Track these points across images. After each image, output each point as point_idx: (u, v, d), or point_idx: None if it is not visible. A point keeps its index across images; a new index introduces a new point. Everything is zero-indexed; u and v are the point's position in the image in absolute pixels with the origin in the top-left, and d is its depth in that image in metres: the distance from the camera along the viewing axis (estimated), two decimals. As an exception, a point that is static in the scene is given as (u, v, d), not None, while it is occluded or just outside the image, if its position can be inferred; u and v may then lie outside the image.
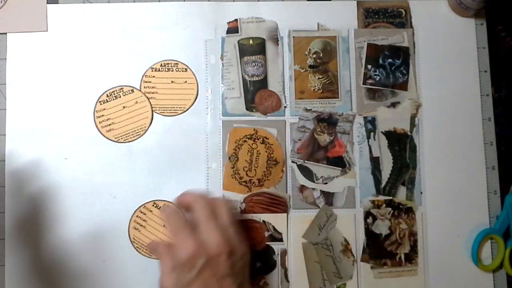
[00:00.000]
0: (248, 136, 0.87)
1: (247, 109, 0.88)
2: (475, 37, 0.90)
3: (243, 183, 0.87)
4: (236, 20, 0.89)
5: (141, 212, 0.86)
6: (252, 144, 0.87)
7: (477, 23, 0.91)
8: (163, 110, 0.88)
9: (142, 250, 0.85)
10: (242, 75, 0.88)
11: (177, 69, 0.89)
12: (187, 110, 0.88)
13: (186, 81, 0.88)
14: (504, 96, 0.90)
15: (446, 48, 0.90)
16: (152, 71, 0.89)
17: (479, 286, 0.87)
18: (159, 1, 0.90)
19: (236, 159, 0.87)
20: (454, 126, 0.89)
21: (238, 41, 0.89)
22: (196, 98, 0.88)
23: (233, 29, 0.89)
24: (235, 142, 0.87)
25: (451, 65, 0.90)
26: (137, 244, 0.86)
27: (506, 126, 0.90)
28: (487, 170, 0.88)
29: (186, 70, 0.89)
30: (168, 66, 0.89)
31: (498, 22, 0.92)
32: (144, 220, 0.86)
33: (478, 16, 0.91)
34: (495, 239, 0.87)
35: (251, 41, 0.89)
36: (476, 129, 0.89)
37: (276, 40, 0.89)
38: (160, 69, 0.89)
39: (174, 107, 0.88)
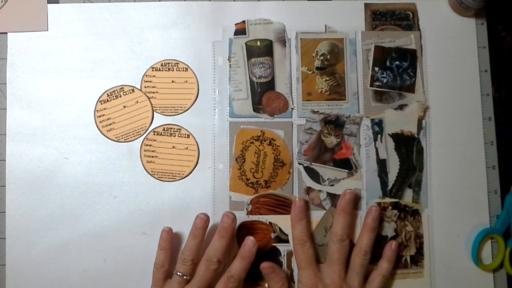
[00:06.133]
0: (255, 138, 0.87)
1: (254, 110, 0.88)
2: (475, 36, 0.91)
3: (250, 185, 0.87)
4: (243, 21, 0.89)
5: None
6: (259, 146, 0.87)
7: (477, 22, 0.91)
8: (164, 109, 0.88)
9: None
10: (249, 77, 0.88)
11: (177, 69, 0.88)
12: (187, 109, 0.88)
13: (186, 81, 0.88)
14: (504, 96, 0.91)
15: (446, 48, 0.90)
16: (153, 70, 0.88)
17: (479, 286, 0.87)
18: (159, 1, 0.90)
19: (243, 160, 0.87)
20: (455, 126, 0.89)
21: (246, 43, 0.89)
22: (196, 97, 0.88)
23: (240, 30, 0.89)
24: (242, 144, 0.87)
25: (451, 65, 0.90)
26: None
27: (506, 126, 0.90)
28: (487, 169, 0.88)
29: (186, 69, 0.88)
30: (168, 65, 0.88)
31: (498, 21, 0.92)
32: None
33: (479, 15, 0.91)
34: (496, 238, 0.87)
35: (258, 43, 0.89)
36: (477, 129, 0.89)
37: (283, 41, 0.89)
38: (161, 69, 0.88)
39: (174, 107, 0.88)
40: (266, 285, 0.85)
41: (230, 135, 0.87)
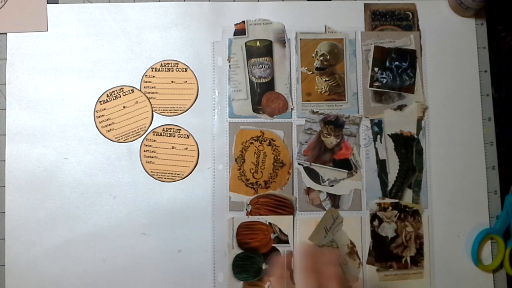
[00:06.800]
0: (255, 138, 0.87)
1: (253, 111, 0.88)
2: (475, 37, 0.91)
3: (250, 185, 0.87)
4: (243, 22, 0.89)
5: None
6: (258, 146, 0.87)
7: (477, 23, 0.91)
8: (163, 110, 0.88)
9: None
10: (249, 77, 0.88)
11: (177, 69, 0.88)
12: (187, 110, 0.88)
13: (186, 81, 0.88)
14: (504, 96, 0.91)
15: (446, 48, 0.90)
16: (152, 71, 0.88)
17: (479, 287, 0.87)
18: (159, 1, 0.90)
19: (242, 160, 0.87)
20: (455, 126, 0.89)
21: (245, 43, 0.89)
22: (196, 98, 0.88)
23: (240, 31, 0.89)
24: (242, 144, 0.87)
25: (451, 66, 0.90)
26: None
27: (506, 126, 0.90)
28: (487, 170, 0.88)
29: (186, 70, 0.88)
30: (168, 66, 0.89)
31: (498, 22, 0.92)
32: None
33: (478, 16, 0.91)
34: (495, 239, 0.87)
35: (258, 43, 0.89)
36: (476, 129, 0.89)
37: (283, 42, 0.89)
38: (160, 69, 0.88)
39: (174, 107, 0.88)
40: (266, 285, 0.85)
41: (229, 135, 0.87)
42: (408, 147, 0.88)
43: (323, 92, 0.88)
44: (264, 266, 0.85)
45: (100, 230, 0.86)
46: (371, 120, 0.88)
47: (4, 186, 0.86)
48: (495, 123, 0.89)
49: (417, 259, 0.87)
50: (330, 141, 0.87)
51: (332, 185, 0.87)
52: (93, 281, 0.85)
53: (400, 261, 0.86)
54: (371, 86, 0.89)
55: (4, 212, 0.85)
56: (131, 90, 0.88)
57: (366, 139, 0.88)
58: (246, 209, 0.86)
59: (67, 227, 0.86)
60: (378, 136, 0.88)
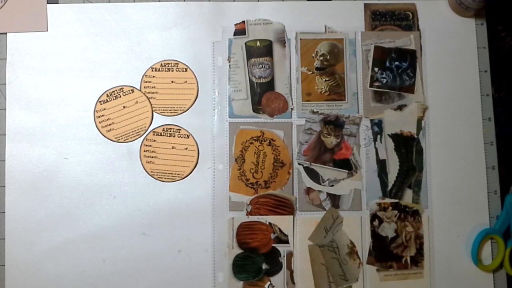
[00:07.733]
0: (255, 138, 0.87)
1: (253, 111, 0.88)
2: (475, 37, 0.90)
3: (250, 185, 0.87)
4: (243, 22, 0.89)
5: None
6: (258, 146, 0.87)
7: (477, 23, 0.91)
8: (163, 110, 0.88)
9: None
10: (249, 77, 0.88)
11: (177, 69, 0.88)
12: (187, 110, 0.88)
13: (186, 81, 0.88)
14: (504, 96, 0.91)
15: (446, 48, 0.90)
16: (152, 71, 0.88)
17: (479, 287, 0.87)
18: (159, 1, 0.90)
19: (242, 160, 0.87)
20: (455, 126, 0.89)
21: (245, 43, 0.89)
22: (196, 98, 0.88)
23: (240, 31, 0.89)
24: (242, 144, 0.87)
25: (451, 66, 0.90)
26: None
27: (506, 126, 0.90)
28: (487, 170, 0.88)
29: (186, 70, 0.88)
30: (168, 66, 0.88)
31: (498, 22, 0.92)
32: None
33: (478, 16, 0.91)
34: (495, 239, 0.87)
35: (258, 43, 0.89)
36: (476, 129, 0.89)
37: (283, 42, 0.89)
38: (160, 69, 0.88)
39: (174, 107, 0.88)
40: (266, 285, 0.85)
41: (229, 135, 0.87)
42: (408, 147, 0.88)
43: (323, 92, 0.88)
44: (264, 266, 0.85)
45: (100, 230, 0.86)
46: (371, 120, 0.88)
47: (4, 186, 0.86)
48: (495, 123, 0.89)
49: (417, 259, 0.87)
50: (330, 141, 0.87)
51: (332, 185, 0.87)
52: (93, 281, 0.85)
53: (400, 261, 0.86)
54: (371, 86, 0.89)
55: (4, 212, 0.85)
56: (131, 90, 0.88)
57: (366, 139, 0.88)
58: (246, 209, 0.86)
59: (67, 227, 0.86)
60: (378, 136, 0.88)
